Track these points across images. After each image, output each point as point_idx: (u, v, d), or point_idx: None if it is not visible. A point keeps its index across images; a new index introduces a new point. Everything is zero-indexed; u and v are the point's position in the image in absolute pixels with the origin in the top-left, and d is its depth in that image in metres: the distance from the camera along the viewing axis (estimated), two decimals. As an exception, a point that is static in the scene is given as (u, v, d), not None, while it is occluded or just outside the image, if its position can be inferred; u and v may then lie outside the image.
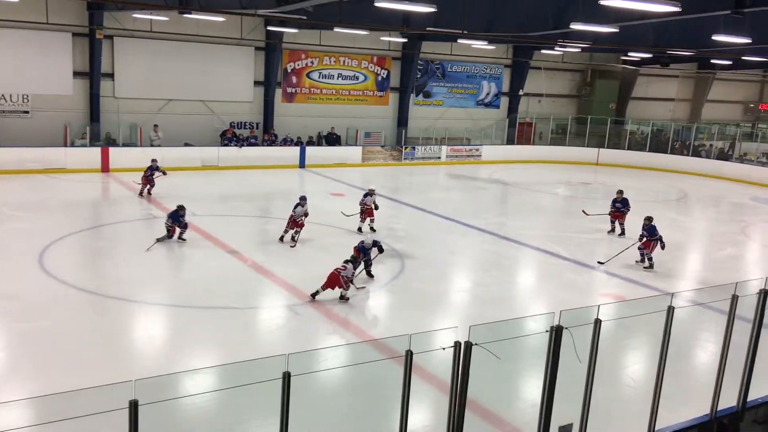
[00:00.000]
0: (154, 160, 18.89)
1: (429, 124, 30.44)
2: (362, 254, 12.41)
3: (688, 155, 30.95)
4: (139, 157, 21.09)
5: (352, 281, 11.43)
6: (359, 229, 16.12)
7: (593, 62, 34.29)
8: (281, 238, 14.96)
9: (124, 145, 23.33)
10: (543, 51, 29.99)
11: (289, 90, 27.26)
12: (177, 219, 14.20)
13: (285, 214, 18.54)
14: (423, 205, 20.15)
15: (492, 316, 10.74)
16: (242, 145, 24.70)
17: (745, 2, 13.53)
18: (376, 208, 16.35)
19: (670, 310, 6.77)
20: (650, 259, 14.48)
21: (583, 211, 17.87)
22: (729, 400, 7.53)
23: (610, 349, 7.83)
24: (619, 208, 17.37)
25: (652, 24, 17.27)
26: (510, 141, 32.20)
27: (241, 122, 26.41)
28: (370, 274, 12.73)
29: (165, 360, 9.08)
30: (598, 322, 6.25)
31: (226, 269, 13.10)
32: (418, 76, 29.93)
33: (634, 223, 16.44)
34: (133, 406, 4.19)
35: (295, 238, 14.85)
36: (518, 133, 32.59)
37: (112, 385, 4.11)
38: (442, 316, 11.48)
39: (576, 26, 15.60)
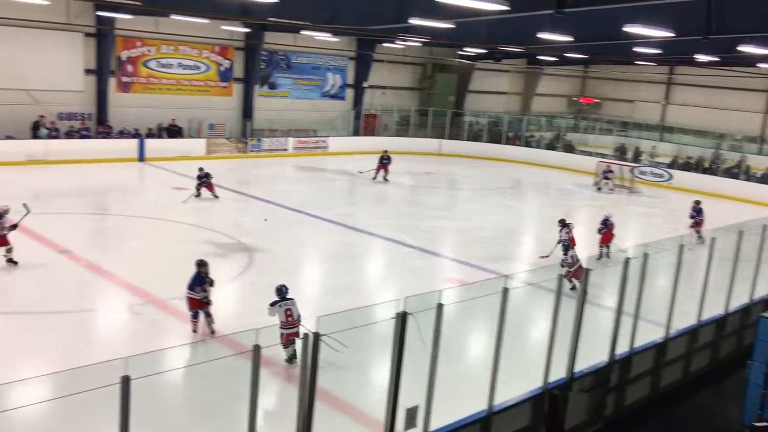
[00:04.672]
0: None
1: (275, 115, 30.09)
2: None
3: (520, 145, 33.11)
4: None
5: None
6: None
7: (433, 56, 35.58)
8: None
9: (-68, 138, 20.91)
10: (385, 44, 30.69)
11: (124, 79, 25.73)
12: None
13: (123, 209, 17.67)
14: (271, 198, 19.95)
15: (342, 306, 10.85)
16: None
17: (566, 2, 14.68)
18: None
19: (505, 291, 7.24)
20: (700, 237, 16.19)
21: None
22: (559, 372, 8.21)
23: (453, 332, 8.23)
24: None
25: (486, 21, 18.24)
26: (356, 132, 32.70)
27: (70, 113, 24.54)
28: None
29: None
30: (440, 307, 6.56)
31: (57, 270, 12.20)
32: (263, 66, 29.48)
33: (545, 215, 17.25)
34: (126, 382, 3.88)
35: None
36: (364, 124, 33.18)
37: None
38: (292, 308, 11.45)
39: (414, 21, 16.15)
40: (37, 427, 6.87)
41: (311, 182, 24.78)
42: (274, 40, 28.63)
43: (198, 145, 26.38)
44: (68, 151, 22.67)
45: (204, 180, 18.96)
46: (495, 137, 33.81)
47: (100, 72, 24.70)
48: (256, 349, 5.24)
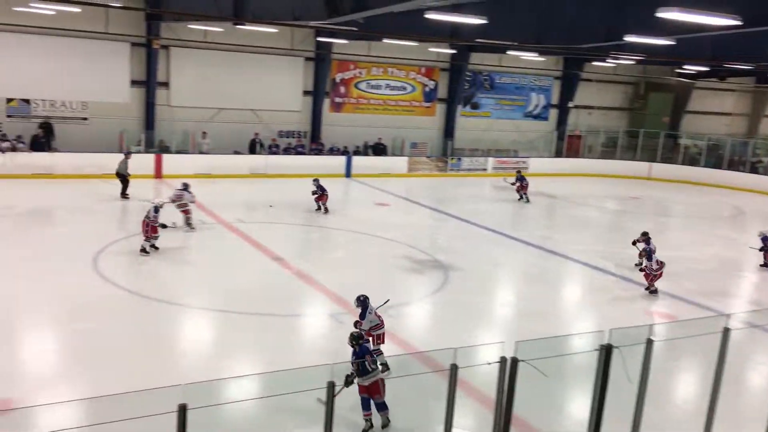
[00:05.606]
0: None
1: (476, 135, 30.27)
2: None
3: (745, 171, 30.01)
4: (190, 163, 21.56)
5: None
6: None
7: (646, 75, 33.61)
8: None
9: (177, 152, 23.87)
10: (594, 63, 29.55)
11: (337, 100, 27.50)
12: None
13: (329, 222, 18.77)
14: (467, 217, 20.02)
15: (536, 331, 10.56)
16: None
17: (809, 15, 13.06)
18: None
19: (726, 332, 6.54)
20: None
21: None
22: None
23: (661, 370, 7.60)
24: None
25: (711, 37, 16.81)
26: (558, 153, 31.79)
27: (289, 131, 26.73)
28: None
29: (209, 364, 9.18)
30: (650, 342, 6.09)
31: (270, 276, 13.22)
32: (466, 87, 29.83)
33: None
34: (182, 410, 4.23)
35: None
36: (567, 145, 32.14)
37: (161, 389, 4.16)
38: (485, 329, 11.35)
39: (630, 38, 15.32)
40: (246, 420, 7.42)
41: (509, 203, 24.47)
42: (479, 60, 28.86)
43: (400, 163, 27.31)
44: (285, 166, 24.64)
45: (318, 192, 19.15)
46: (715, 162, 30.99)
47: (316, 93, 26.63)
48: (454, 368, 5.22)
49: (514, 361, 5.40)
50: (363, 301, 8.73)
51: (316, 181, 19.38)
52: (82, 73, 22.70)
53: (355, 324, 8.63)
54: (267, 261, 14.12)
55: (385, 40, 23.19)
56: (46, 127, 22.29)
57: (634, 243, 14.66)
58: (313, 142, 26.72)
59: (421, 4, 12.78)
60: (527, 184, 23.03)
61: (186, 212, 16.11)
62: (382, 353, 8.66)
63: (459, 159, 28.63)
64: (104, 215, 17.54)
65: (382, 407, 7.40)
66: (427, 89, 29.12)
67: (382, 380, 7.35)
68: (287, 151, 25.83)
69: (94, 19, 20.92)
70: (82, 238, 14.61)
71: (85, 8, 18.87)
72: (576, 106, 32.45)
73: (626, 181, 29.29)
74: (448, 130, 29.62)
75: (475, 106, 30.61)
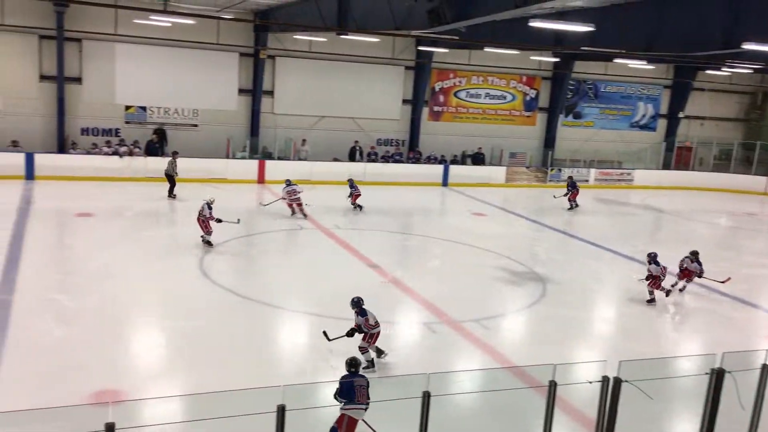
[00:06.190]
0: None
1: (577, 145, 29.46)
2: None
3: None
4: (291, 169, 22.20)
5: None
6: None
7: (765, 84, 31.61)
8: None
9: (279, 158, 24.64)
10: (708, 71, 28.08)
11: (435, 109, 27.52)
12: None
13: (425, 230, 18.78)
14: (567, 229, 19.49)
15: (638, 351, 10.12)
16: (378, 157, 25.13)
17: None
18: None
19: None
20: None
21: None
22: None
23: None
24: None
25: (840, 42, 15.59)
26: (666, 166, 30.39)
27: (387, 139, 27.00)
28: None
29: (307, 367, 9.37)
30: (765, 368, 5.69)
31: (365, 282, 13.34)
32: (569, 96, 29.11)
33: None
34: (281, 411, 4.32)
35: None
36: (676, 157, 30.66)
37: (262, 389, 4.27)
38: (583, 346, 10.97)
39: (749, 46, 14.45)
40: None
41: (612, 216, 23.64)
42: (583, 68, 28.13)
43: (498, 173, 26.97)
44: (382, 174, 24.89)
45: (354, 191, 19.92)
46: None
47: (415, 102, 26.78)
48: (553, 385, 5.08)
49: (617, 381, 5.18)
50: (357, 302, 9.28)
51: (350, 181, 20.36)
52: (195, 82, 23.91)
53: (361, 322, 9.11)
54: (363, 267, 14.28)
55: (486, 49, 23.01)
56: (160, 133, 23.60)
57: (684, 262, 13.61)
58: (410, 151, 26.86)
59: (526, 12, 12.58)
60: (578, 192, 22.66)
61: (299, 204, 18.15)
62: (369, 352, 9.16)
63: (559, 170, 27.94)
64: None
65: None
66: (527, 98, 28.64)
67: (353, 421, 6.66)
68: (385, 159, 26.09)
69: (206, 31, 22.01)
70: (190, 238, 15.31)
71: (199, 20, 19.92)
72: (687, 117, 30.94)
73: (741, 196, 27.60)
74: (549, 140, 28.99)
75: (577, 116, 29.81)
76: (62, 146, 22.22)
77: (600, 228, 20.60)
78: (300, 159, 24.70)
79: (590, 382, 5.14)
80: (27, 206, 17.47)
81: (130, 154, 22.15)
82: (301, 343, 10.48)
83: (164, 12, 14.98)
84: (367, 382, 6.72)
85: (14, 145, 21.38)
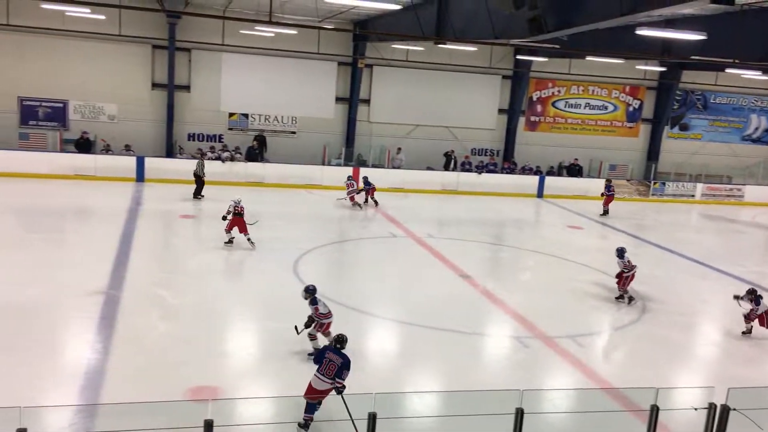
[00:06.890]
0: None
1: (683, 159, 28.13)
2: None
3: None
4: (384, 177, 22.39)
5: None
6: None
7: None
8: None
9: (373, 166, 24.90)
10: (831, 81, 26.20)
11: (532, 118, 27.03)
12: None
13: (518, 242, 18.43)
14: (670, 246, 18.59)
15: (748, 378, 9.53)
16: (481, 172, 24.96)
17: None
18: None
19: None
20: None
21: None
22: None
23: None
24: None
25: None
26: (782, 182, 28.55)
27: (481, 149, 26.74)
28: None
29: (396, 376, 9.36)
30: None
31: (457, 293, 13.23)
32: (675, 107, 27.85)
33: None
34: (372, 419, 4.33)
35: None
36: (793, 173, 28.74)
37: (352, 395, 4.29)
38: (686, 371, 10.41)
39: None
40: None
41: (719, 234, 22.38)
42: (692, 78, 26.86)
43: (596, 186, 26.03)
44: (476, 184, 24.66)
45: (367, 187, 20.69)
46: None
47: (512, 111, 26.40)
48: (654, 409, 4.83)
49: (725, 409, 4.86)
50: (310, 290, 9.51)
51: (365, 178, 21.07)
52: (294, 90, 24.59)
53: (314, 312, 9.35)
54: (454, 277, 14.16)
55: (589, 58, 22.37)
56: (261, 140, 24.39)
57: (736, 299, 12.04)
58: (505, 161, 26.48)
59: (632, 20, 12.14)
60: (612, 197, 22.48)
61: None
62: (317, 340, 9.40)
63: (663, 183, 26.74)
64: (307, 222, 18.72)
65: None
66: (630, 109, 27.63)
67: (311, 388, 7.15)
68: (480, 168, 25.84)
69: (307, 41, 22.58)
70: (287, 242, 15.70)
71: (301, 30, 20.47)
72: (806, 130, 28.94)
73: None
74: (652, 153, 27.85)
75: (684, 128, 28.48)
76: (170, 151, 23.37)
77: (705, 245, 19.55)
78: (394, 167, 24.86)
79: (695, 409, 4.84)
80: (137, 207, 18.45)
81: (232, 159, 23.01)
82: (389, 351, 10.49)
83: (269, 23, 15.56)
84: (343, 363, 7.13)
85: (127, 149, 22.68)
